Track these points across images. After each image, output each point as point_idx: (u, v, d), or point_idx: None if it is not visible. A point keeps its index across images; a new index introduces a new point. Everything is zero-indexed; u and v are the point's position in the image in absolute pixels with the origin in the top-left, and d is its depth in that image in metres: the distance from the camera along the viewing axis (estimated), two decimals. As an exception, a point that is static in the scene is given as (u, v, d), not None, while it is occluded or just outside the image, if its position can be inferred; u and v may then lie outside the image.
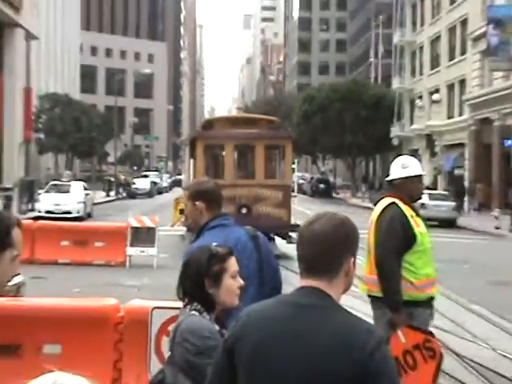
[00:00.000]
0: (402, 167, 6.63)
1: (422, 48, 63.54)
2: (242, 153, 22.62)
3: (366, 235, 6.30)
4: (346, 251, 2.69)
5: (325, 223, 2.68)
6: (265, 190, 18.84)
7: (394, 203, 6.19)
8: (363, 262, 6.27)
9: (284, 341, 2.58)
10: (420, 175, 6.69)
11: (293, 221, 19.92)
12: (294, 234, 18.76)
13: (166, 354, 4.38)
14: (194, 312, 3.81)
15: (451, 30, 56.60)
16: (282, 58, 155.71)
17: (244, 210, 18.63)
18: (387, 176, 6.86)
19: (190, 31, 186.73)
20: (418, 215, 6.18)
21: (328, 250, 2.66)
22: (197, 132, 20.85)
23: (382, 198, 6.65)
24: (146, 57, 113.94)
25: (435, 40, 59.83)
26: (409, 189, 6.41)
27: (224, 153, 20.52)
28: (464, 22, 53.39)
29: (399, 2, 67.88)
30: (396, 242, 5.50)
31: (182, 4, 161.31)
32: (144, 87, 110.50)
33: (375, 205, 6.93)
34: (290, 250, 17.88)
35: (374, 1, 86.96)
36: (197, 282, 3.78)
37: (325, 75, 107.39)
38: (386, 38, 72.06)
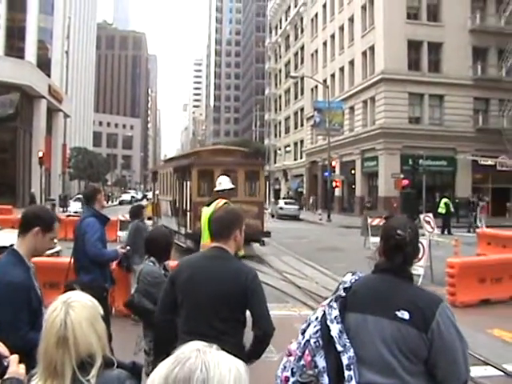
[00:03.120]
0: (229, 182, 9.16)
1: (280, 122, 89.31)
2: (227, 176, 18.60)
3: (205, 220, 8.39)
4: (235, 226, 4.04)
5: (225, 211, 4.27)
6: (245, 205, 18.41)
7: (227, 202, 8.46)
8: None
9: (203, 274, 3.90)
10: (231, 188, 9.27)
11: (265, 229, 21.70)
12: (265, 239, 21.21)
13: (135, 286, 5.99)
14: (150, 262, 5.61)
15: (296, 113, 78.75)
16: (204, 127, 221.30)
17: None
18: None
19: (153, 112, 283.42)
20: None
21: (225, 225, 4.02)
22: (192, 160, 21.75)
23: (216, 199, 8.88)
24: (129, 126, 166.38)
25: (287, 118, 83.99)
26: (230, 194, 9.05)
27: (214, 176, 18.16)
28: (302, 109, 73.63)
29: (270, 99, 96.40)
30: None
31: (149, 97, 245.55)
32: (127, 143, 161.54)
33: (208, 205, 8.97)
34: (262, 250, 21.77)
35: (254, 97, 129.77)
36: (165, 247, 5.68)
37: (227, 137, 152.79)
38: (261, 117, 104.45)
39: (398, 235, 3.04)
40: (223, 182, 9.19)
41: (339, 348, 2.91)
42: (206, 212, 8.63)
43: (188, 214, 21.04)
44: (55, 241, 10.62)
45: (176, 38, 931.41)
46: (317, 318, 3.06)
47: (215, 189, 9.32)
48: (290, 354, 3.09)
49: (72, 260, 7.46)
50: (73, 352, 2.25)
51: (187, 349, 1.50)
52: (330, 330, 2.95)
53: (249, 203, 20.35)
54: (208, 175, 20.69)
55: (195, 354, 1.47)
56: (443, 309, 2.92)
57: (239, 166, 21.97)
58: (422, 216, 17.21)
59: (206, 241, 8.00)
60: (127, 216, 23.47)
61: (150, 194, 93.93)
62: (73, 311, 2.30)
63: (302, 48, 75.65)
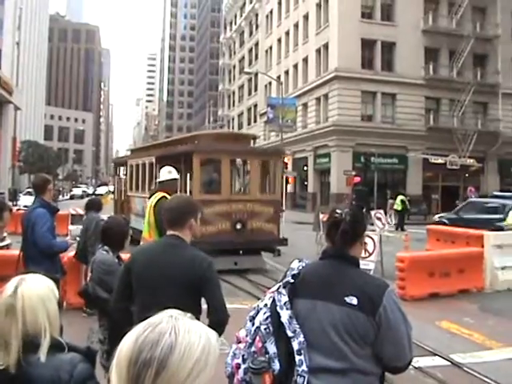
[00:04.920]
0: (168, 172, 8.69)
1: (233, 118, 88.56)
2: (236, 167, 19.44)
3: (146, 214, 8.29)
4: (189, 215, 4.10)
5: (178, 200, 4.27)
6: (258, 206, 16.47)
7: (164, 196, 7.98)
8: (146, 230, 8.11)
9: (158, 261, 3.98)
10: (176, 178, 8.71)
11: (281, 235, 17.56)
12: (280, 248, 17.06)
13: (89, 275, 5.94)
14: (104, 251, 5.65)
15: (249, 109, 78.79)
16: (157, 122, 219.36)
17: (239, 226, 16.14)
18: None
19: (105, 106, 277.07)
20: None
21: (179, 214, 4.08)
22: (193, 146, 17.55)
23: (155, 193, 8.52)
24: (81, 120, 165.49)
25: (241, 114, 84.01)
26: (172, 186, 8.47)
27: (221, 167, 16.88)
28: (256, 105, 74.13)
29: (224, 95, 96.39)
30: None
31: (102, 92, 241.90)
32: (79, 137, 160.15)
33: (150, 196, 8.72)
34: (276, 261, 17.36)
35: (208, 92, 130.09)
36: (120, 237, 5.68)
37: (180, 132, 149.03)
38: (214, 113, 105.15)
39: (336, 213, 3.12)
40: (162, 173, 8.87)
41: (289, 334, 2.94)
42: (147, 205, 8.45)
43: None
44: (5, 234, 10.47)
45: (130, 32, 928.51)
46: (266, 305, 3.08)
47: (164, 178, 8.82)
48: (239, 341, 3.10)
49: (21, 252, 7.33)
50: (19, 322, 2.25)
51: (161, 315, 1.51)
52: (279, 317, 2.98)
53: (263, 203, 17.05)
54: (213, 166, 18.17)
55: (167, 319, 1.48)
56: (389, 294, 2.99)
57: (252, 155, 18.27)
58: (373, 212, 17.38)
59: (146, 234, 7.94)
60: (79, 210, 23.35)
61: (101, 189, 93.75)
62: (26, 284, 2.34)
63: (257, 44, 75.96)
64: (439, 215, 30.62)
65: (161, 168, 9.20)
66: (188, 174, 16.84)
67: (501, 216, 24.14)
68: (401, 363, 3.06)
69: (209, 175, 18.49)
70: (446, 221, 27.38)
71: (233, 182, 18.51)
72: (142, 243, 7.21)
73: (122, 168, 26.12)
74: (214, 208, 16.19)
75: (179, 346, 1.42)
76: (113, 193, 32.07)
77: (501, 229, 20.45)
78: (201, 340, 1.45)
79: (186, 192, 16.14)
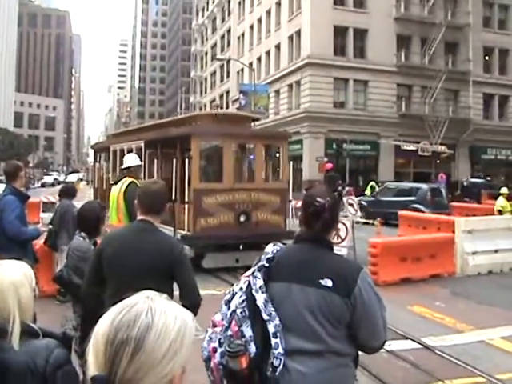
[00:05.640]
0: (134, 159, 9.07)
1: (205, 105, 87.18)
2: (240, 153, 17.44)
3: (113, 200, 8.52)
4: (166, 201, 4.28)
5: (156, 186, 4.23)
6: (264, 195, 14.92)
7: (133, 182, 8.39)
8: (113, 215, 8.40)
9: (130, 246, 4.00)
10: (141, 164, 9.26)
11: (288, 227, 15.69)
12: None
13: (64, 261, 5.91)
14: (80, 237, 5.62)
15: (221, 96, 78.65)
16: (129, 109, 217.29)
17: (243, 218, 14.48)
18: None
19: (77, 93, 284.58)
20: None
21: (155, 200, 4.13)
22: (192, 128, 15.56)
23: (123, 178, 8.75)
24: (52, 107, 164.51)
25: (213, 101, 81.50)
26: (138, 171, 8.97)
27: (224, 153, 15.20)
28: (228, 92, 74.02)
29: (196, 81, 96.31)
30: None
31: (73, 78, 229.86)
32: (50, 124, 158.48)
33: (116, 183, 8.89)
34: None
35: (180, 79, 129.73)
36: (95, 223, 5.61)
37: (152, 119, 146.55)
38: (186, 100, 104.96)
39: (317, 202, 3.11)
40: (129, 159, 9.05)
41: (265, 317, 2.96)
42: (114, 191, 8.56)
43: (184, 207, 14.70)
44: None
45: (101, 18, 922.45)
46: (241, 289, 3.09)
47: (122, 167, 9.08)
48: (215, 325, 3.11)
49: None
50: None
51: (137, 296, 1.52)
52: (255, 300, 3.00)
53: (268, 192, 15.41)
54: (215, 151, 16.42)
55: (143, 300, 1.49)
56: (364, 276, 3.05)
57: (257, 138, 16.44)
58: (345, 199, 17.46)
59: (113, 221, 8.01)
60: (50, 197, 23.21)
61: (72, 177, 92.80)
62: None
63: (229, 31, 75.46)
64: (359, 198, 31.35)
65: (133, 155, 9.18)
66: (185, 161, 14.98)
67: (414, 198, 27.08)
68: (376, 343, 3.12)
69: (209, 161, 17.11)
70: (364, 203, 28.45)
71: (236, 169, 16.52)
72: (109, 230, 7.15)
73: (103, 154, 24.10)
74: (216, 198, 14.61)
75: (156, 326, 1.43)
76: (92, 181, 29.75)
77: (418, 210, 23.98)
78: (176, 321, 1.46)
79: (184, 181, 14.98)
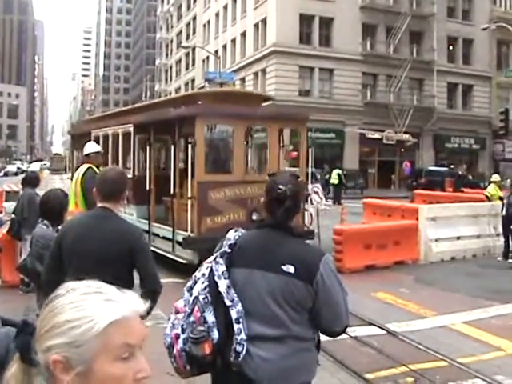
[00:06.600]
0: (95, 146, 9.44)
1: (170, 93, 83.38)
2: (252, 138, 16.01)
3: (72, 186, 8.86)
4: (125, 188, 4.23)
5: (115, 172, 4.30)
6: None
7: (90, 167, 8.64)
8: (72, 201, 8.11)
9: (90, 234, 4.00)
10: (100, 151, 9.39)
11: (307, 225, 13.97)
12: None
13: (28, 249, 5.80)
14: (43, 225, 5.64)
15: (186, 84, 78.37)
16: (93, 97, 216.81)
17: (256, 216, 11.57)
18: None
19: (40, 80, 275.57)
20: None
21: (114, 187, 4.12)
22: (196, 108, 12.68)
23: (82, 164, 9.01)
24: (14, 95, 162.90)
25: (178, 89, 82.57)
26: (98, 158, 9.12)
27: (235, 137, 13.21)
28: (193, 80, 73.63)
29: (161, 69, 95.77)
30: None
31: (36, 65, 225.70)
32: (13, 112, 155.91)
33: (76, 169, 9.39)
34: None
35: (144, 67, 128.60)
36: (59, 211, 5.66)
37: (117, 107, 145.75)
38: (151, 88, 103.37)
39: (279, 189, 3.11)
40: (88, 147, 9.24)
41: (228, 303, 2.97)
42: (74, 177, 8.80)
43: (186, 204, 12.32)
44: None
45: (65, 4, 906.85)
46: (203, 275, 3.09)
47: (91, 150, 9.07)
48: (177, 312, 3.10)
49: None
50: None
51: (66, 286, 1.57)
52: (217, 286, 3.00)
53: None
54: (223, 135, 14.65)
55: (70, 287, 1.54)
56: (326, 261, 3.06)
57: (272, 120, 13.82)
58: (310, 186, 17.47)
59: (72, 208, 7.94)
60: (13, 186, 22.93)
61: (34, 166, 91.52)
62: None
63: (195, 18, 75.00)
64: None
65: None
66: (187, 148, 12.84)
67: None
68: (338, 327, 3.14)
69: (216, 149, 15.04)
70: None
71: (248, 157, 14.57)
72: (68, 217, 7.14)
73: (83, 140, 19.47)
74: (224, 193, 12.39)
75: (55, 303, 1.46)
76: (69, 170, 24.33)
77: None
78: (76, 313, 1.44)
79: (186, 172, 12.59)
